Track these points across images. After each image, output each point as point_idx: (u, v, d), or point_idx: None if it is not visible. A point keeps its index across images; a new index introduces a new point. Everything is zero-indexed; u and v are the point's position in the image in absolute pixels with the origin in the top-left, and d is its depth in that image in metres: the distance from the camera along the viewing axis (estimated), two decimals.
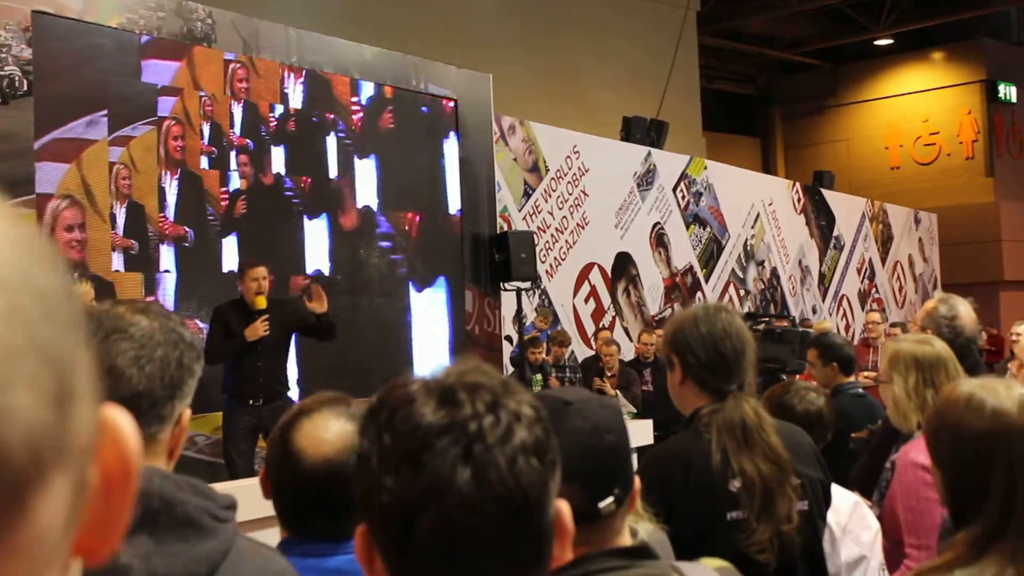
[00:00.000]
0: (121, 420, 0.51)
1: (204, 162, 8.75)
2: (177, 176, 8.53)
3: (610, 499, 1.70)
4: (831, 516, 3.13)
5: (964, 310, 4.48)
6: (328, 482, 2.01)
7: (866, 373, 9.31)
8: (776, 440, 2.76)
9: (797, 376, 7.60)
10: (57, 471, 0.45)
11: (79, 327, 0.48)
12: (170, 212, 8.45)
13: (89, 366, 0.48)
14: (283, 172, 9.38)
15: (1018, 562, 1.97)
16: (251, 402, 7.56)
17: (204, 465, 8.14)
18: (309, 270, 9.47)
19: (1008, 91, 24.97)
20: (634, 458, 3.09)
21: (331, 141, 9.87)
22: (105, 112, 7.98)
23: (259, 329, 7.45)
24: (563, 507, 1.19)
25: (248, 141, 9.11)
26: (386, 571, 1.16)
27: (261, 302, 7.53)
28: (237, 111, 9.05)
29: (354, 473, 1.18)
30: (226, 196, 8.88)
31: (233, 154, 8.99)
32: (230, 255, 8.83)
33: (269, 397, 7.63)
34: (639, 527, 2.23)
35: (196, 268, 8.60)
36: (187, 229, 8.56)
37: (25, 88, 7.44)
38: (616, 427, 1.76)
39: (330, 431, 2.06)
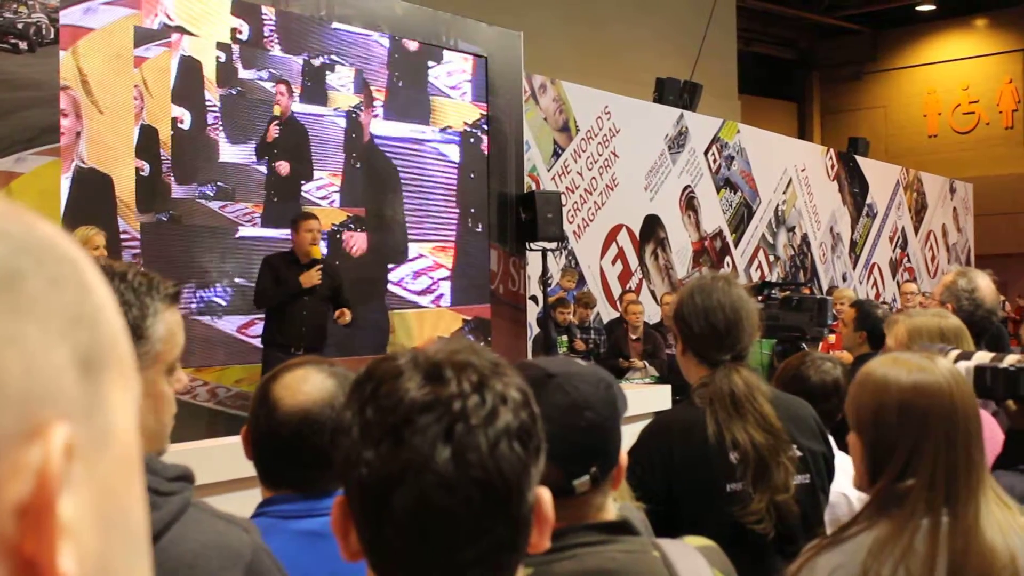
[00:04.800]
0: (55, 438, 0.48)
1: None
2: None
3: (586, 477, 1.67)
4: (848, 487, 3.11)
5: (983, 282, 4.41)
6: (302, 429, 2.01)
7: None
8: (769, 409, 2.76)
9: (820, 344, 7.57)
10: None
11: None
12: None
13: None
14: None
15: (931, 513, 2.03)
16: (292, 350, 7.67)
17: (226, 417, 8.19)
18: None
19: None
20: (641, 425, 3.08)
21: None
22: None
23: (314, 277, 7.84)
24: (544, 495, 1.17)
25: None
26: (360, 545, 1.14)
27: (316, 252, 7.94)
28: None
29: (335, 443, 1.15)
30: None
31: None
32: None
33: (310, 347, 7.80)
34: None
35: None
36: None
37: (52, 36, 7.43)
38: (598, 404, 1.72)
39: (309, 383, 2.07)
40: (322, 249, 8.19)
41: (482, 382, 1.12)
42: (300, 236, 7.88)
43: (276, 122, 9.14)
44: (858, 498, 3.35)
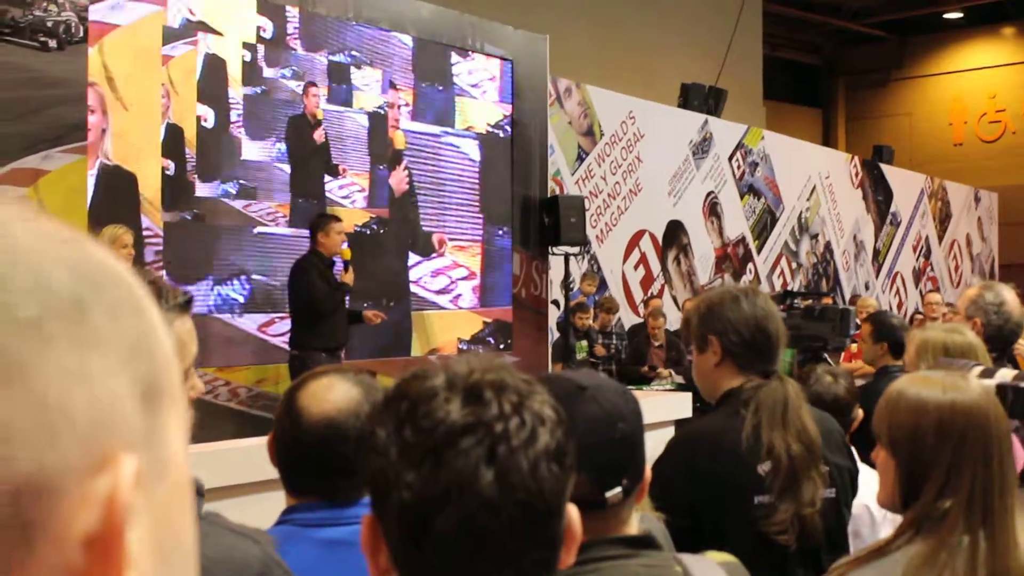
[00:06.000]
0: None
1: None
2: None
3: (618, 489, 1.68)
4: (871, 500, 3.11)
5: (1009, 295, 4.38)
6: (328, 438, 2.02)
7: None
8: (811, 424, 2.71)
9: (842, 353, 7.55)
10: None
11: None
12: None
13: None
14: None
15: (970, 533, 2.03)
16: (336, 351, 7.75)
17: (248, 418, 8.21)
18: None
19: None
20: (670, 432, 3.07)
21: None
22: None
23: (352, 277, 7.91)
24: (573, 512, 1.18)
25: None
26: (392, 564, 1.15)
27: (347, 253, 7.97)
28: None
29: (366, 462, 1.16)
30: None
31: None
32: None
33: (344, 346, 7.91)
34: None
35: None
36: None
37: (81, 35, 7.46)
38: (629, 416, 1.73)
39: (334, 391, 2.08)
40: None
41: (521, 403, 1.13)
42: (331, 238, 7.87)
43: (319, 126, 9.23)
44: (880, 511, 3.35)
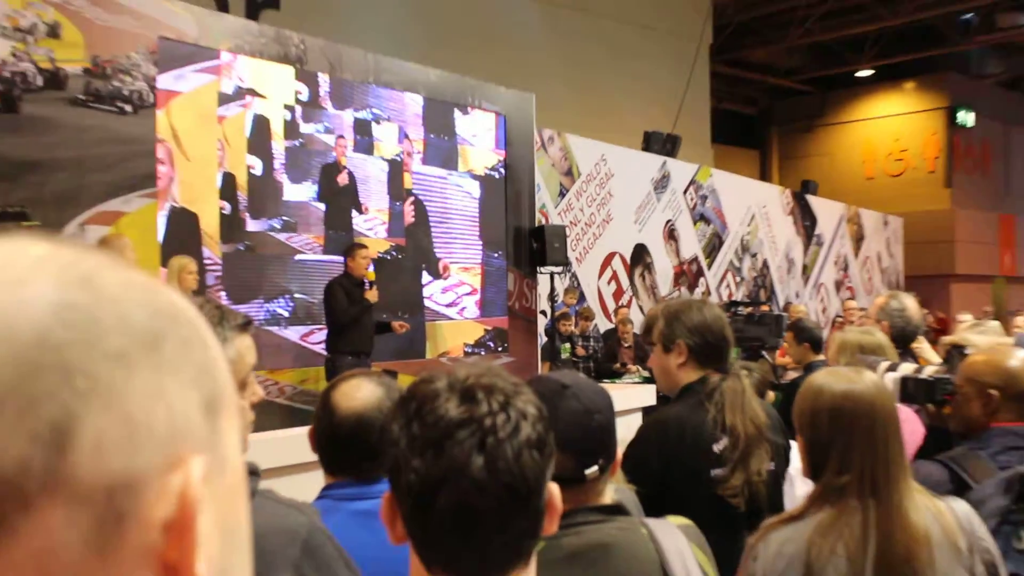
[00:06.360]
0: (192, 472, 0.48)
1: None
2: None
3: (595, 467, 1.71)
4: (791, 469, 3.14)
5: (910, 303, 4.42)
6: (356, 429, 2.04)
7: None
8: (760, 411, 2.75)
9: (777, 350, 7.57)
10: (48, 500, 0.43)
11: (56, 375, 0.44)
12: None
13: (66, 414, 0.44)
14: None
15: (861, 500, 2.06)
16: (362, 355, 7.73)
17: (293, 411, 8.21)
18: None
19: (966, 117, 24.52)
20: (637, 417, 3.08)
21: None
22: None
23: (376, 294, 7.85)
24: (554, 489, 1.19)
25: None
26: (406, 532, 1.16)
27: (371, 275, 7.94)
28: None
29: (386, 451, 1.17)
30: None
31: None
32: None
33: (370, 351, 7.88)
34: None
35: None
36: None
37: (151, 100, 7.48)
38: (604, 408, 1.75)
39: (361, 390, 2.10)
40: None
41: (507, 401, 1.14)
42: (356, 262, 7.85)
43: (345, 171, 9.22)
44: (798, 474, 3.41)
